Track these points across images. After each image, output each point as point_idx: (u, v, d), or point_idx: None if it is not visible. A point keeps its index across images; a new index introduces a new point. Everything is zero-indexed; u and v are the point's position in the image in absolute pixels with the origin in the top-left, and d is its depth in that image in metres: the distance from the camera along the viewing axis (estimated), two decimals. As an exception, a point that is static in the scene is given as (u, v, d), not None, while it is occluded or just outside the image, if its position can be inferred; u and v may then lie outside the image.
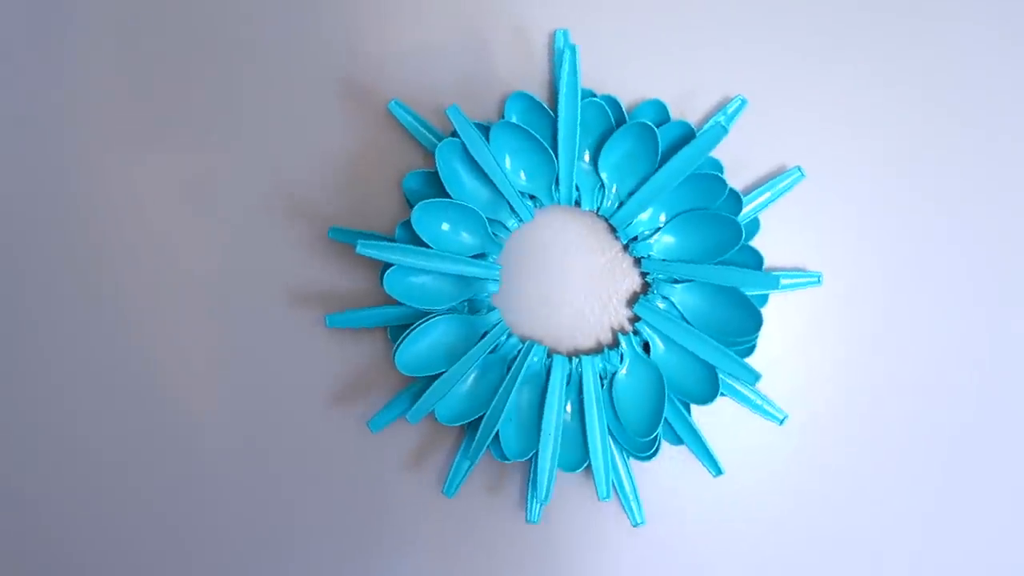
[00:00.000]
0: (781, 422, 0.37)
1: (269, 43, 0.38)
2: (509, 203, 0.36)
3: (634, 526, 0.38)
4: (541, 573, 0.39)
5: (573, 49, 0.35)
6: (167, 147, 0.38)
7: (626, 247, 0.38)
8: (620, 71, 0.37)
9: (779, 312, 0.38)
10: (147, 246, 0.38)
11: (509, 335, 0.37)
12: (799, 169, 0.37)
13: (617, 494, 0.38)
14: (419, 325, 0.36)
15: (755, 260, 0.36)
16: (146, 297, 0.38)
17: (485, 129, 0.36)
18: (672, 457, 0.38)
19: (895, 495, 0.39)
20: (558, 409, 0.36)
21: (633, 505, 0.38)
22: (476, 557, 0.39)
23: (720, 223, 0.35)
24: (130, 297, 0.38)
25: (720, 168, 0.36)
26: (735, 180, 0.37)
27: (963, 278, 0.39)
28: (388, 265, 0.35)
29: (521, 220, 0.37)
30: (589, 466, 0.36)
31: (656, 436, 0.35)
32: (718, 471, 0.37)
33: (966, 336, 0.39)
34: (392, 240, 0.36)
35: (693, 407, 0.37)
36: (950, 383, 0.39)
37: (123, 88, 0.38)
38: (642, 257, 0.37)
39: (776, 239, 0.38)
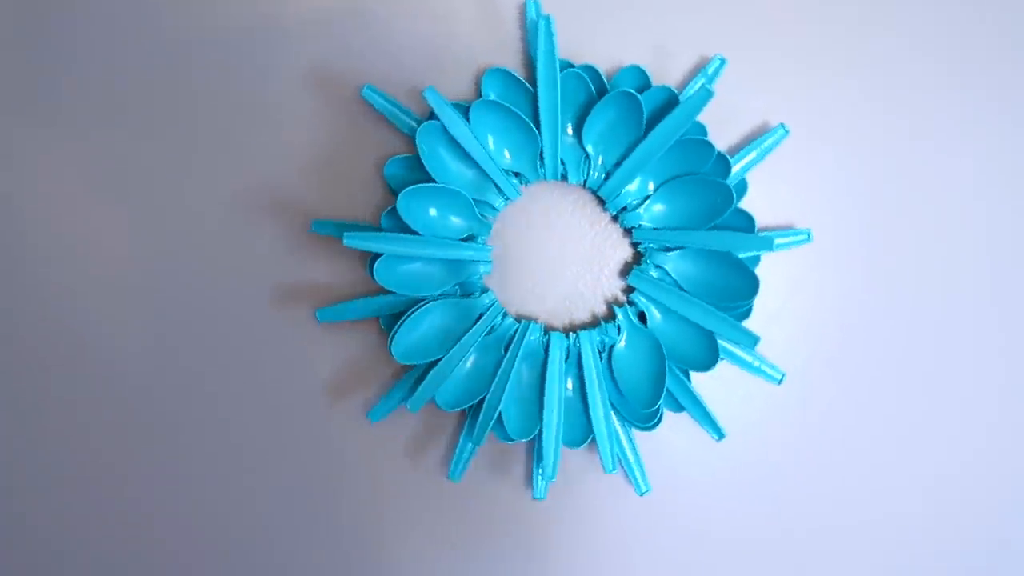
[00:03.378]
0: (779, 381, 0.38)
1: (234, 34, 0.36)
2: (495, 182, 0.35)
3: (639, 495, 0.38)
4: (551, 548, 0.39)
5: (548, 19, 0.34)
6: (133, 145, 0.37)
7: (616, 218, 0.37)
8: (595, 37, 0.37)
9: (769, 270, 0.38)
10: (124, 254, 0.37)
11: (504, 315, 0.37)
12: (783, 126, 0.37)
13: (622, 465, 0.38)
14: (412, 313, 0.35)
15: (747, 222, 0.36)
16: (126, 305, 0.37)
17: (464, 109, 0.35)
18: (672, 424, 0.38)
19: (894, 447, 0.40)
20: (559, 385, 0.36)
21: (638, 475, 0.38)
22: (486, 538, 0.39)
23: (709, 187, 0.35)
24: (115, 305, 0.37)
25: (704, 131, 0.35)
26: (718, 141, 0.36)
27: (952, 224, 0.39)
28: (376, 255, 0.34)
29: (508, 199, 0.36)
30: (593, 440, 0.36)
31: (659, 406, 0.35)
32: (720, 435, 0.37)
33: (956, 281, 0.39)
34: (378, 229, 0.36)
35: (692, 373, 0.37)
36: (942, 326, 0.39)
37: (84, 80, 0.36)
38: (633, 227, 0.37)
39: (762, 198, 0.37)
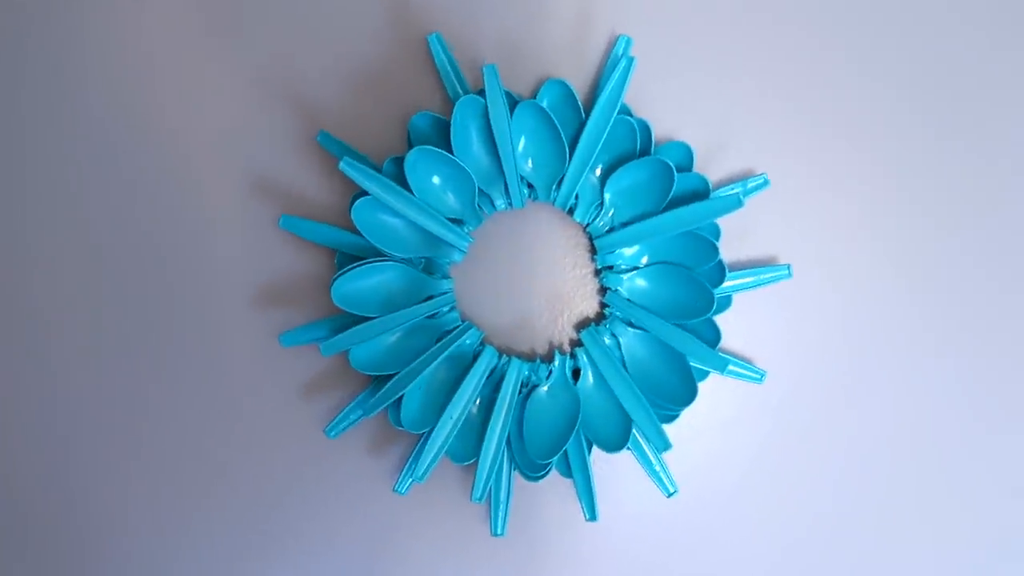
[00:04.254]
0: (670, 495, 0.37)
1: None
2: (506, 183, 0.35)
3: (492, 536, 0.37)
4: (383, 548, 0.38)
5: (630, 60, 0.34)
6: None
7: (598, 272, 0.37)
8: (664, 100, 0.36)
9: (715, 390, 0.37)
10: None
11: (452, 308, 0.36)
12: (788, 268, 0.36)
13: (489, 500, 0.37)
14: (369, 262, 0.34)
15: (713, 336, 0.35)
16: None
17: (513, 101, 0.34)
18: (555, 485, 0.37)
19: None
20: (469, 397, 0.35)
21: (499, 516, 0.37)
22: (331, 505, 0.38)
23: (696, 288, 0.34)
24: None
25: (718, 235, 0.35)
26: (726, 251, 0.36)
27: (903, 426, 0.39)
28: (363, 192, 0.33)
29: (511, 205, 0.35)
30: (475, 463, 0.35)
31: (550, 463, 0.35)
32: (593, 516, 0.36)
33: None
34: (378, 170, 0.35)
35: (594, 449, 0.37)
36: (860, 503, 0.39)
37: None
38: (609, 289, 0.36)
39: (738, 321, 0.37)
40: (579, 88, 0.36)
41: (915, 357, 0.38)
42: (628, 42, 0.36)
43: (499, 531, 0.37)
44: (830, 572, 0.39)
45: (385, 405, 0.34)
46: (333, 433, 0.36)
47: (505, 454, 0.36)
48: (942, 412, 0.39)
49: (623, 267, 0.36)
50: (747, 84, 0.37)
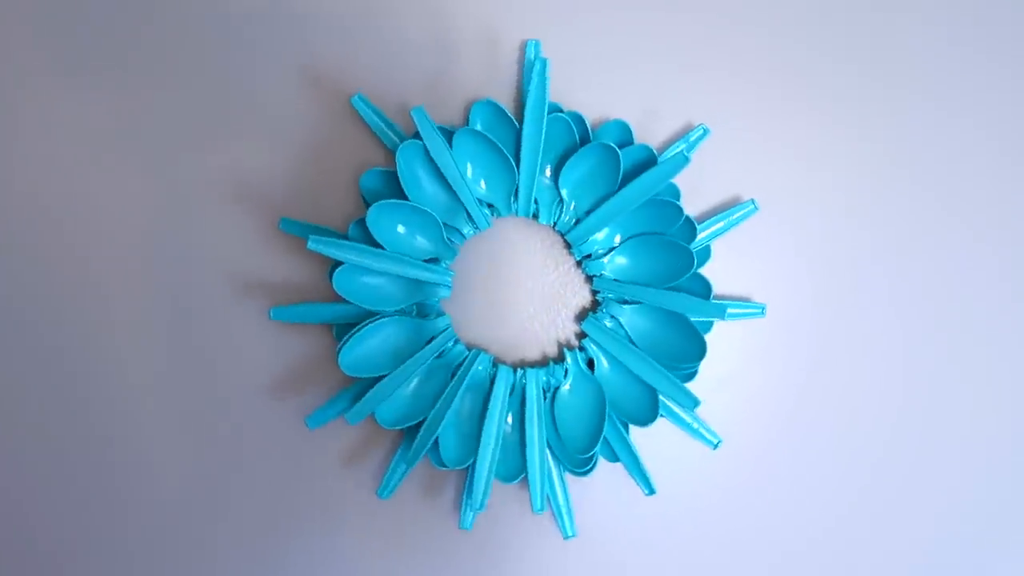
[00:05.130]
0: (715, 446, 0.38)
1: (234, 22, 0.37)
2: (467, 210, 0.36)
3: (565, 539, 0.38)
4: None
5: (544, 62, 0.35)
6: (117, 121, 0.37)
7: (579, 264, 0.38)
8: (587, 87, 0.38)
9: (724, 336, 0.38)
10: (94, 225, 0.37)
11: (456, 342, 0.37)
12: (753, 202, 0.38)
13: (551, 506, 0.38)
14: (366, 325, 0.35)
15: (704, 288, 0.36)
16: (86, 274, 0.37)
17: (448, 133, 0.35)
18: (608, 473, 0.38)
19: (823, 526, 0.40)
20: (499, 419, 0.36)
21: (566, 518, 0.38)
22: (407, 560, 0.39)
23: (673, 249, 0.35)
24: (64, 277, 0.37)
25: (677, 195, 0.36)
26: (690, 207, 0.37)
27: (905, 318, 0.40)
28: (339, 262, 0.34)
29: (478, 228, 0.37)
30: (526, 477, 0.36)
31: (594, 453, 0.36)
32: (651, 490, 0.37)
33: (904, 367, 0.40)
34: (345, 237, 0.36)
35: (631, 427, 0.38)
36: (884, 412, 0.40)
37: (62, 65, 0.36)
38: (594, 275, 0.37)
39: (724, 267, 0.38)
40: (506, 101, 0.37)
41: (893, 255, 0.40)
42: (537, 45, 0.37)
43: (570, 533, 0.38)
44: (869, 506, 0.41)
45: (424, 452, 0.35)
46: (386, 493, 0.37)
47: (550, 458, 0.37)
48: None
49: (600, 252, 0.37)
50: (661, 46, 0.38)
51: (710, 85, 0.38)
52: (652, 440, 0.38)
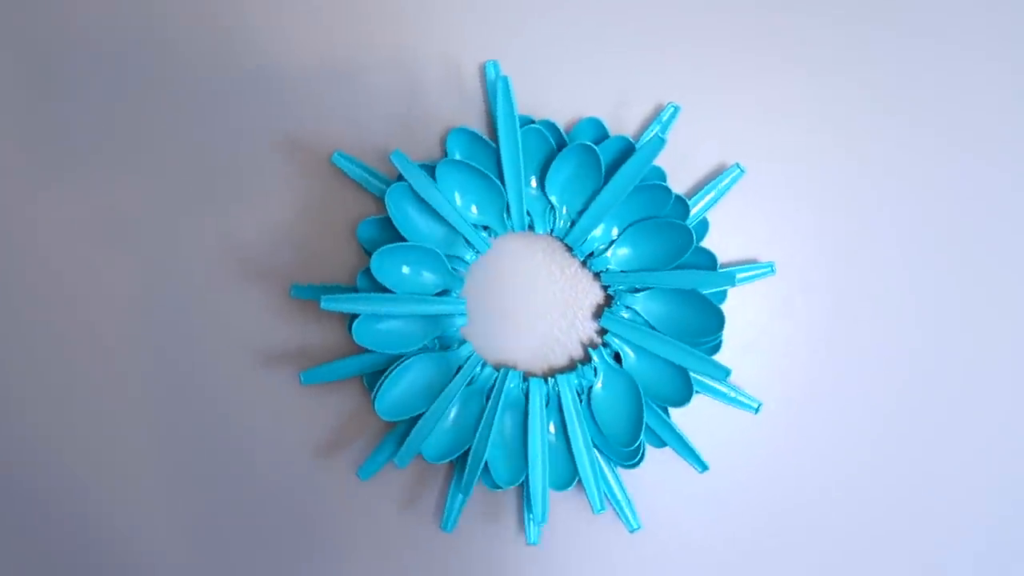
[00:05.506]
0: (756, 410, 0.39)
1: (208, 100, 0.38)
2: (464, 237, 0.37)
3: (631, 532, 0.38)
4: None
5: (505, 80, 0.36)
6: (110, 220, 0.38)
7: (584, 263, 0.38)
8: (553, 93, 0.38)
9: (741, 302, 0.39)
10: (106, 322, 0.38)
11: (483, 365, 0.38)
12: (738, 166, 0.38)
13: (611, 504, 0.38)
14: (393, 369, 0.36)
15: (709, 260, 0.37)
16: (110, 375, 0.38)
17: (430, 168, 0.36)
18: (658, 460, 0.39)
19: (875, 467, 0.40)
20: (541, 431, 0.37)
21: (627, 512, 0.38)
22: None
23: (671, 229, 0.36)
24: (97, 378, 0.38)
25: (663, 176, 0.37)
26: (678, 184, 0.38)
27: (907, 251, 0.40)
28: (355, 315, 0.35)
29: (478, 252, 0.37)
30: (580, 481, 0.37)
31: (640, 444, 0.36)
32: (703, 467, 0.38)
33: (920, 297, 0.40)
34: (355, 290, 0.37)
35: (671, 409, 0.38)
36: (906, 351, 0.40)
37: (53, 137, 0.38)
38: (601, 271, 0.38)
39: (725, 235, 0.39)
40: (479, 125, 0.38)
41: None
42: (496, 65, 0.38)
43: (635, 525, 0.38)
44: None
45: (476, 479, 0.36)
46: (449, 527, 0.38)
47: (599, 458, 0.38)
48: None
49: (601, 248, 0.37)
50: (615, 35, 0.39)
51: (673, 63, 0.39)
52: (694, 418, 0.39)
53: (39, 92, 0.37)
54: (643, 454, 0.37)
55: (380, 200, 0.37)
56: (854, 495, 0.40)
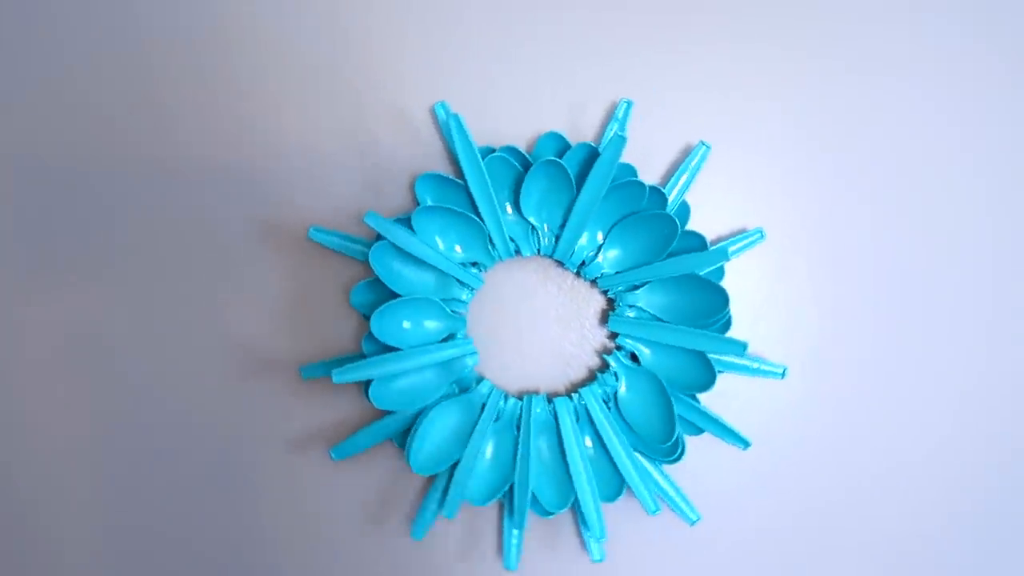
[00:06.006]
0: (782, 375, 0.38)
1: (177, 204, 0.38)
2: (456, 278, 0.37)
3: (691, 525, 0.38)
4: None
5: (457, 118, 0.36)
6: (107, 314, 0.38)
7: (578, 274, 0.38)
8: (505, 118, 0.38)
9: (739, 274, 0.39)
10: (129, 439, 0.38)
11: (506, 397, 0.38)
12: (703, 143, 0.38)
13: (664, 502, 0.38)
14: (419, 425, 0.36)
15: (698, 242, 0.37)
16: (146, 491, 0.38)
17: (406, 220, 0.36)
18: (699, 447, 0.38)
19: (899, 422, 0.40)
20: (579, 448, 0.36)
21: (683, 506, 0.38)
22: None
23: (654, 221, 0.36)
24: (133, 493, 0.38)
25: (633, 172, 0.37)
26: (649, 175, 0.38)
27: (884, 194, 0.40)
28: (368, 381, 0.35)
29: (473, 289, 0.37)
30: (629, 488, 0.36)
31: (676, 437, 0.36)
32: (745, 444, 0.38)
33: (923, 247, 0.40)
34: (362, 356, 0.37)
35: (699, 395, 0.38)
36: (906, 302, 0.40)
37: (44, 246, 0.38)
38: (596, 277, 0.38)
39: (707, 213, 0.39)
40: (442, 167, 0.38)
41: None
42: (444, 106, 0.38)
43: (695, 517, 0.38)
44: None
45: (527, 511, 0.36)
46: (513, 564, 0.38)
47: (641, 460, 0.38)
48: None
49: (591, 255, 0.38)
50: (554, 44, 0.39)
51: (616, 59, 0.39)
52: (725, 399, 0.39)
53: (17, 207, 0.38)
54: (683, 447, 0.36)
55: (366, 263, 0.37)
56: (896, 441, 0.40)
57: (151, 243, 0.38)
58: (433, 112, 0.38)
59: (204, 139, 0.38)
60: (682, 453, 0.36)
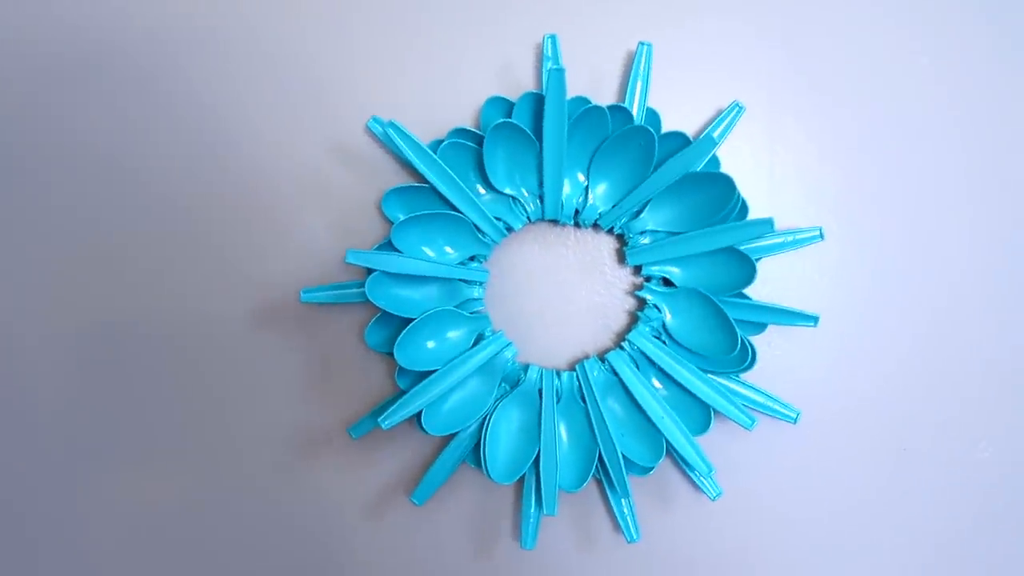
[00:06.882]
0: (820, 236, 0.36)
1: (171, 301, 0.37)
2: (460, 280, 0.35)
3: (793, 422, 0.36)
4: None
5: (394, 124, 0.33)
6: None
7: (577, 224, 0.36)
8: (439, 105, 0.36)
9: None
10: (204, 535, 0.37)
11: (559, 374, 0.36)
12: (737, 104, 0.36)
13: (758, 411, 0.36)
14: (485, 436, 0.34)
15: (680, 140, 0.34)
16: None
17: (388, 244, 0.34)
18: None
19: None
20: (651, 394, 0.35)
21: (779, 408, 0.36)
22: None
23: (627, 138, 0.34)
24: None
25: (587, 101, 0.34)
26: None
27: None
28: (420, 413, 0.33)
29: (481, 283, 0.36)
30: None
31: (741, 342, 0.34)
32: (794, 417, 0.36)
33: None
34: (402, 393, 0.34)
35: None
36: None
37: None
38: (596, 220, 0.36)
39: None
40: (400, 179, 0.36)
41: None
42: (377, 120, 0.36)
43: (795, 415, 0.36)
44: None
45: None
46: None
47: (717, 380, 0.35)
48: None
49: (581, 200, 0.35)
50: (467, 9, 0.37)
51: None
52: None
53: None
54: (753, 351, 0.34)
55: (367, 302, 0.35)
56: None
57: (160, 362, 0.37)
58: (369, 131, 0.36)
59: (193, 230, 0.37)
60: (754, 358, 0.34)
